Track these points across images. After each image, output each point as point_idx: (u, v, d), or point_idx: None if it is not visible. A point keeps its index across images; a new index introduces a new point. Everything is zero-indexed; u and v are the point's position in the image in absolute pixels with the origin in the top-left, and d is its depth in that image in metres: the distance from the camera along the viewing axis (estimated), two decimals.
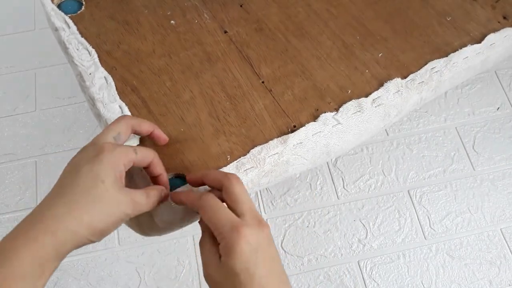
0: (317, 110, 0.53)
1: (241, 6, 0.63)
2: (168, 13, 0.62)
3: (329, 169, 1.07)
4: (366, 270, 0.97)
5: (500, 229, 1.00)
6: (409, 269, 0.97)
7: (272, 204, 1.03)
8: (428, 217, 1.02)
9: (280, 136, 0.50)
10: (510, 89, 1.17)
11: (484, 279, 0.95)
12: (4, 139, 1.11)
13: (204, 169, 0.48)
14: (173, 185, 0.47)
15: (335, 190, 1.05)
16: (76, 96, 1.16)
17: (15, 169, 1.07)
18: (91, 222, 0.36)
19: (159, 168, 0.43)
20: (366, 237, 1.00)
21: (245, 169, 0.48)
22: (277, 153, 0.49)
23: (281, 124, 0.52)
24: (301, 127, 0.51)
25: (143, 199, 0.40)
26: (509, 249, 0.98)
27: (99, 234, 0.37)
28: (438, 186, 1.05)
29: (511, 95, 1.16)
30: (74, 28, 0.58)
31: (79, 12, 0.61)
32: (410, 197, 1.04)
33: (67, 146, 1.10)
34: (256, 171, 0.48)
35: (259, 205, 1.03)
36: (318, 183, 1.05)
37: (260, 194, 1.04)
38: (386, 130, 1.12)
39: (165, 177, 0.44)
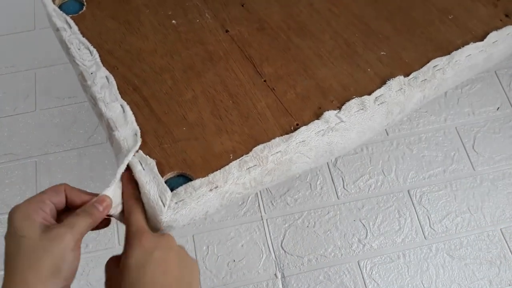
0: (320, 108, 0.53)
1: (242, 5, 0.63)
2: (169, 13, 0.62)
3: (329, 169, 1.07)
4: (366, 270, 0.97)
5: (500, 229, 1.00)
6: (409, 269, 0.97)
7: (272, 204, 1.03)
8: (428, 217, 1.02)
9: (283, 135, 0.50)
10: (510, 89, 1.17)
11: (484, 279, 0.96)
12: (4, 139, 1.11)
13: (206, 167, 0.48)
14: (175, 184, 0.47)
15: (335, 190, 1.05)
16: (76, 96, 1.16)
17: (15, 169, 1.07)
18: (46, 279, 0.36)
19: (76, 196, 0.42)
20: (366, 237, 1.00)
21: (248, 167, 0.48)
22: (280, 151, 0.49)
23: (284, 122, 0.52)
24: (304, 125, 0.51)
25: (81, 219, 0.39)
26: (509, 249, 0.98)
27: (64, 278, 0.37)
28: (438, 186, 1.05)
29: (511, 95, 1.16)
30: (75, 28, 0.58)
31: (80, 12, 0.61)
32: (410, 197, 1.04)
33: (67, 146, 1.10)
34: (259, 169, 0.48)
35: (259, 205, 1.03)
36: (318, 183, 1.05)
37: (260, 194, 1.04)
38: (386, 130, 1.12)
39: (87, 197, 0.42)
